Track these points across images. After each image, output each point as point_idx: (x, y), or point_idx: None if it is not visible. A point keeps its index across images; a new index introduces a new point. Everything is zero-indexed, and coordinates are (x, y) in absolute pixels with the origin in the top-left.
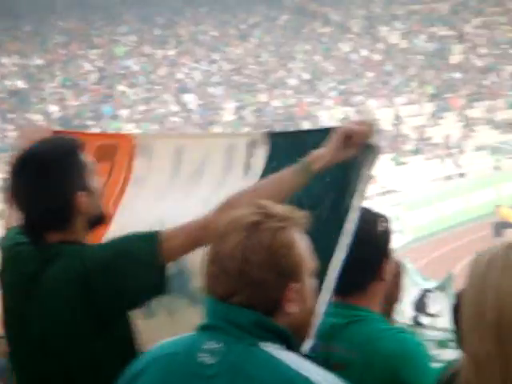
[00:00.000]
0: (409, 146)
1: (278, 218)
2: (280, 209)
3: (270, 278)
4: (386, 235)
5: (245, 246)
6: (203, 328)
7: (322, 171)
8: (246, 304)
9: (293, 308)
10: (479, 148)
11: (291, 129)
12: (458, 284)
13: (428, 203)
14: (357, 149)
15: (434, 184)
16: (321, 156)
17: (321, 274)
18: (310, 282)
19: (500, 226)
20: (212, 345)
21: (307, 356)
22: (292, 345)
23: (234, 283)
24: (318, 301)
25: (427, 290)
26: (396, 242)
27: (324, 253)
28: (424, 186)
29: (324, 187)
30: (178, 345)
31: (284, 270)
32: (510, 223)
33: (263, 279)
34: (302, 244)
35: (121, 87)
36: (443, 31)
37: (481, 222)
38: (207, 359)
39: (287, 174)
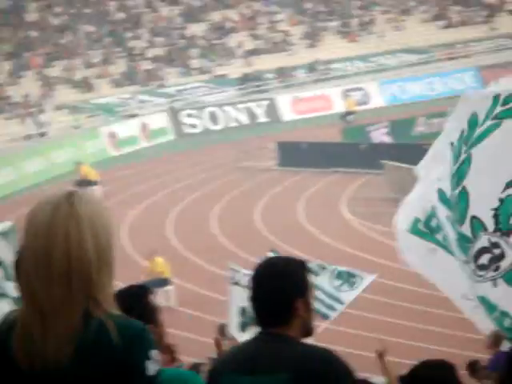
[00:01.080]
0: None
1: None
2: None
3: None
4: None
5: None
6: None
7: None
8: None
9: None
10: (59, 107)
11: None
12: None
13: (8, 163)
14: None
15: (14, 143)
16: None
17: None
18: None
19: (81, 184)
20: None
21: None
22: None
23: None
24: None
25: None
26: None
27: None
28: (4, 145)
29: None
30: None
31: None
32: (90, 180)
33: None
34: None
35: None
36: None
37: (63, 180)
38: None
39: None
